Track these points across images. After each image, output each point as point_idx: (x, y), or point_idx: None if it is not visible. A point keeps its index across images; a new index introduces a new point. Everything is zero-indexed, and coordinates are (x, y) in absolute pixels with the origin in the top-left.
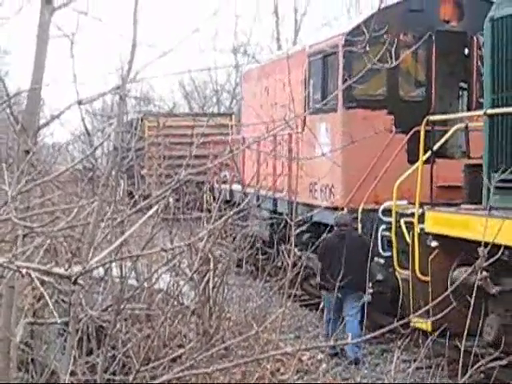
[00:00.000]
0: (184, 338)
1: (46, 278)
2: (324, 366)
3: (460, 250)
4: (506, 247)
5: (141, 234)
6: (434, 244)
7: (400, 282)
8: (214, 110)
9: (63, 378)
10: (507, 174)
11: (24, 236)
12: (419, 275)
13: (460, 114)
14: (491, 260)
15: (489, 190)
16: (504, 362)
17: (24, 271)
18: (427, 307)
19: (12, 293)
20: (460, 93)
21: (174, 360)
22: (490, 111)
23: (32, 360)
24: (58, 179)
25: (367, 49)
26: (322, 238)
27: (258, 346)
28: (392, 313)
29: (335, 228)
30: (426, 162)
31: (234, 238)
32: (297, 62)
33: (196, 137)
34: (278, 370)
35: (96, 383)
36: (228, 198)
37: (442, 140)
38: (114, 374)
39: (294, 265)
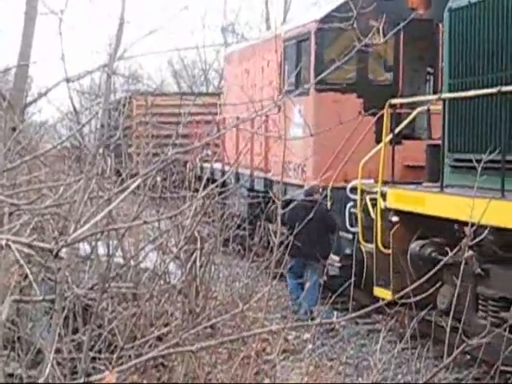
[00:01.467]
0: (170, 317)
1: (26, 250)
2: (310, 346)
3: (418, 224)
4: (459, 221)
5: (128, 213)
6: (394, 219)
7: (364, 254)
8: (203, 89)
9: (48, 356)
10: (462, 154)
11: (10, 214)
12: (381, 248)
13: (418, 98)
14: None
15: (443, 168)
16: (487, 340)
17: (4, 243)
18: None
19: None
20: (427, 77)
21: (159, 339)
22: (444, 95)
23: (18, 338)
24: (44, 157)
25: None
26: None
27: (244, 325)
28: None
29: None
30: (395, 143)
31: (222, 216)
32: (274, 46)
33: (184, 116)
34: (264, 349)
35: (81, 361)
36: (209, 177)
37: (405, 122)
38: (99, 352)
39: (281, 244)
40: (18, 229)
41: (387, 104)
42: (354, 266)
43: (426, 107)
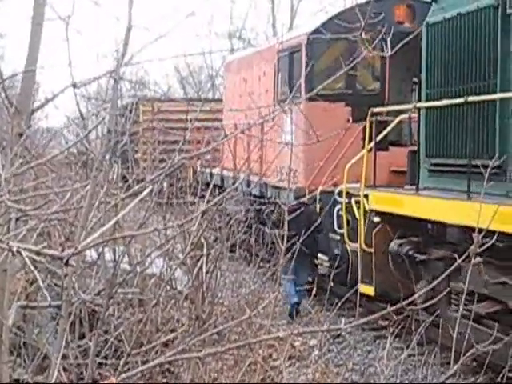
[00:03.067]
0: (176, 323)
1: (37, 258)
2: (316, 352)
3: (398, 224)
4: (433, 222)
5: (134, 219)
6: (376, 219)
7: (350, 253)
8: (209, 95)
9: (55, 362)
10: (437, 159)
11: (17, 219)
12: (365, 247)
13: (397, 107)
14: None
15: (419, 172)
16: (497, 347)
17: (15, 250)
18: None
19: (5, 276)
20: (413, 86)
21: (166, 345)
22: (418, 105)
23: (24, 344)
24: (51, 162)
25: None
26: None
27: (251, 331)
28: (346, 284)
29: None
30: (380, 149)
31: (229, 222)
32: (269, 56)
33: (190, 122)
34: (271, 355)
35: (88, 367)
36: (209, 181)
37: (386, 130)
38: (105, 357)
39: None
40: (25, 234)
41: (369, 113)
42: (336, 264)
43: (407, 115)
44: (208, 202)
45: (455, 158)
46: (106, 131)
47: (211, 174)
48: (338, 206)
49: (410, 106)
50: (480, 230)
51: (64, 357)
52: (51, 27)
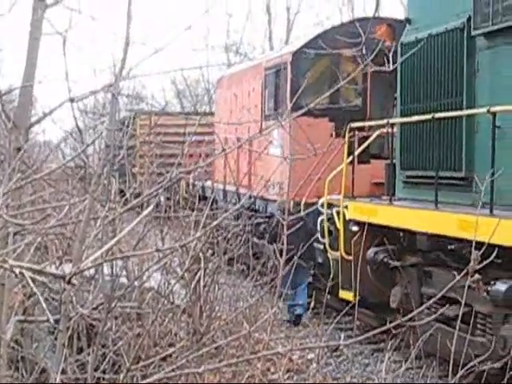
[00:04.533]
0: (175, 337)
1: (39, 278)
2: (314, 365)
3: (375, 233)
4: (405, 230)
5: (131, 232)
6: (354, 228)
7: (331, 261)
8: (206, 108)
9: (53, 377)
10: (411, 171)
11: (15, 234)
12: (344, 255)
13: (373, 122)
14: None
15: (395, 184)
16: (497, 365)
17: (17, 271)
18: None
19: (2, 290)
20: (395, 102)
21: (164, 359)
22: (391, 121)
23: (22, 358)
24: (49, 177)
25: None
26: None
27: (249, 346)
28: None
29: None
30: (362, 162)
31: (225, 238)
32: (257, 73)
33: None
34: (269, 369)
35: (86, 382)
36: (201, 194)
37: (364, 145)
38: (104, 372)
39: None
40: (23, 249)
41: (348, 128)
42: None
43: (384, 130)
44: (204, 215)
45: (425, 170)
46: (104, 146)
47: (203, 187)
48: (322, 217)
49: (383, 122)
50: (479, 247)
51: (62, 371)
52: (49, 42)
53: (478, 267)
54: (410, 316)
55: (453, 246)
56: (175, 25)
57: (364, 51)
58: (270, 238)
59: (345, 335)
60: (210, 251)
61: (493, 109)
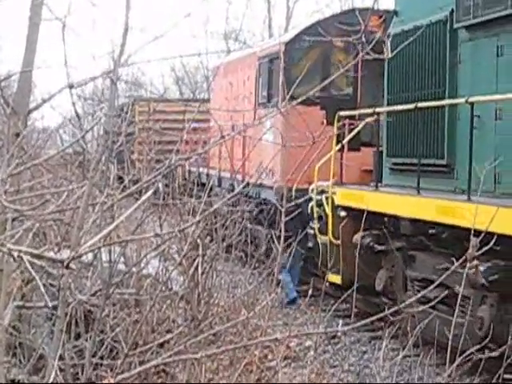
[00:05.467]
0: (172, 324)
1: (37, 262)
2: (312, 352)
3: (361, 218)
4: (390, 216)
5: (130, 218)
6: (342, 214)
7: (320, 245)
8: (205, 96)
9: (51, 363)
10: (397, 159)
11: (13, 219)
12: (333, 239)
13: (363, 111)
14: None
15: (382, 171)
16: (495, 354)
17: (16, 254)
18: None
19: (1, 276)
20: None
21: (161, 345)
22: (377, 110)
23: (20, 344)
24: (48, 163)
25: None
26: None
27: (247, 333)
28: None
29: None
30: (352, 149)
31: (224, 224)
32: (251, 62)
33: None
34: (266, 356)
35: (84, 368)
36: (197, 180)
37: (353, 133)
38: (102, 358)
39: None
40: (21, 235)
41: (336, 116)
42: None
43: (372, 118)
44: (202, 202)
45: (410, 158)
46: (103, 132)
47: (199, 174)
48: (312, 203)
49: (369, 111)
50: (478, 234)
51: (60, 357)
52: (48, 27)
53: (476, 254)
54: (407, 302)
55: (433, 231)
56: (175, 11)
57: (356, 41)
58: (268, 224)
59: (343, 322)
60: (208, 238)
61: (471, 99)
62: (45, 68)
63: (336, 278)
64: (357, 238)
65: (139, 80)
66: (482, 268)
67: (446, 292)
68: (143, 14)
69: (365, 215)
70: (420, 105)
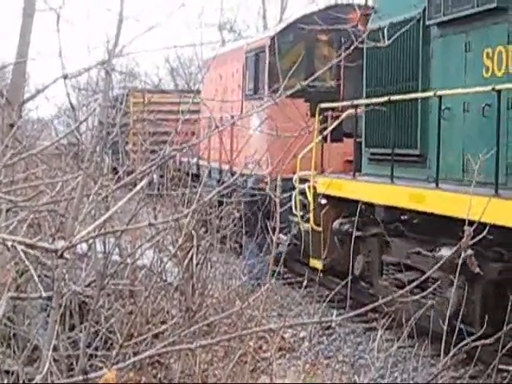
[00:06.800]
0: (167, 315)
1: (31, 251)
2: (306, 343)
3: (341, 206)
4: (366, 203)
5: (124, 210)
6: (323, 201)
7: (302, 232)
8: (200, 86)
9: (45, 354)
10: (374, 149)
11: (7, 210)
12: (314, 226)
13: (344, 103)
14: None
15: (361, 161)
16: (488, 341)
17: (10, 244)
18: None
19: None
20: None
21: (156, 336)
22: (356, 102)
23: (14, 335)
24: (42, 153)
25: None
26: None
27: (241, 323)
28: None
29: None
30: (335, 140)
31: (218, 216)
32: (239, 55)
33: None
34: (261, 347)
35: (78, 359)
36: (188, 171)
37: (334, 125)
38: (96, 349)
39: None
40: (15, 225)
41: (318, 108)
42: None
43: (353, 110)
44: (198, 192)
45: (386, 148)
46: (98, 123)
47: (190, 164)
48: (295, 191)
49: (348, 103)
50: (471, 223)
51: (54, 348)
52: (42, 18)
53: (471, 242)
54: (401, 292)
55: (406, 217)
56: (169, 2)
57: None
58: (262, 213)
59: (337, 313)
60: (203, 229)
61: (439, 92)
62: (39, 59)
63: (317, 264)
64: (336, 224)
65: (134, 71)
66: (448, 252)
67: (421, 277)
68: (138, 4)
69: (342, 203)
70: (393, 98)
